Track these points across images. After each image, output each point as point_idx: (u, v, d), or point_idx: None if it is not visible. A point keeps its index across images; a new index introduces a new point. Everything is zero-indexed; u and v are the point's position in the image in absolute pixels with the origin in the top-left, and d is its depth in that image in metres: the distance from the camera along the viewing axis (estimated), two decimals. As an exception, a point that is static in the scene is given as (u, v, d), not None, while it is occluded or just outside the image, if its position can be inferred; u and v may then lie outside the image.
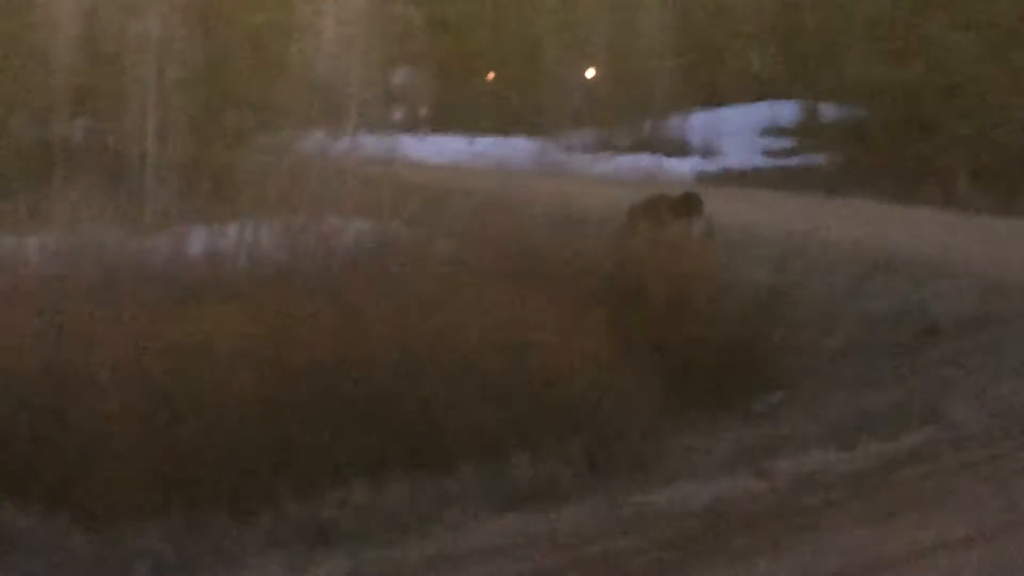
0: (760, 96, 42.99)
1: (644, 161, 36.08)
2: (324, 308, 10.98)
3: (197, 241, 19.69)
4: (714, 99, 43.16)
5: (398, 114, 46.92)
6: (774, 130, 41.09)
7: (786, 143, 40.11)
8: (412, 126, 43.21)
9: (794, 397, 13.42)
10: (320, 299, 11.28)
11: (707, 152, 39.26)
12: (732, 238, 20.23)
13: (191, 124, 27.84)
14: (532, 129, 39.15)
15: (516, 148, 38.25)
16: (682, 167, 36.45)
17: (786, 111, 41.81)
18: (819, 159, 37.62)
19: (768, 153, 39.32)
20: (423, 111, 46.32)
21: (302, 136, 35.02)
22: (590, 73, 43.88)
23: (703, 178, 35.53)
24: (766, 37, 45.75)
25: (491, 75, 47.69)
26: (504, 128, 41.35)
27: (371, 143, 35.95)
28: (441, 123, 44.39)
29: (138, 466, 8.85)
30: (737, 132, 40.36)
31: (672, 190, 22.07)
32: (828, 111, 40.53)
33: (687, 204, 22.85)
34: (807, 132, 40.10)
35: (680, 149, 39.41)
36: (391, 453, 9.60)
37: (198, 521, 8.48)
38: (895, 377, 13.56)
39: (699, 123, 40.61)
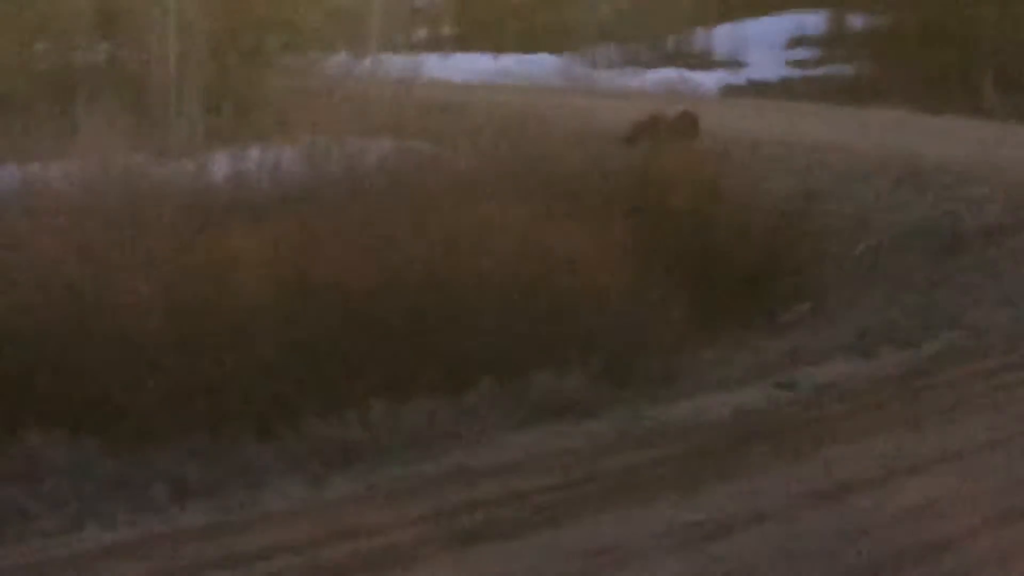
0: (786, 7, 42.60)
1: (669, 75, 35.81)
2: (347, 228, 10.95)
3: (222, 164, 19.73)
4: (740, 11, 42.79)
5: (422, 33, 46.72)
6: (801, 41, 40.66)
7: (813, 54, 39.69)
8: (436, 45, 42.96)
9: (820, 307, 13.38)
10: (342, 219, 11.25)
11: (733, 65, 38.89)
12: (757, 150, 20.16)
13: (215, 47, 27.75)
14: (557, 45, 38.89)
15: (541, 65, 38.09)
16: (707, 80, 36.17)
17: (812, 21, 41.38)
18: (847, 69, 37.24)
19: (795, 64, 38.92)
20: (447, 29, 46.06)
21: (326, 57, 34.95)
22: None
23: (729, 91, 35.30)
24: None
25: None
26: (529, 45, 41.05)
27: (395, 62, 35.85)
28: (466, 41, 44.11)
29: (162, 389, 8.89)
30: (763, 44, 39.95)
31: (670, 108, 22.19)
32: (855, 20, 40.09)
33: (683, 123, 23.55)
34: (834, 42, 39.67)
35: (706, 62, 39.07)
36: (413, 371, 9.59)
37: (222, 443, 8.51)
38: (922, 285, 13.50)
39: (725, 35, 40.23)
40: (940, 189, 16.30)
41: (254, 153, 19.89)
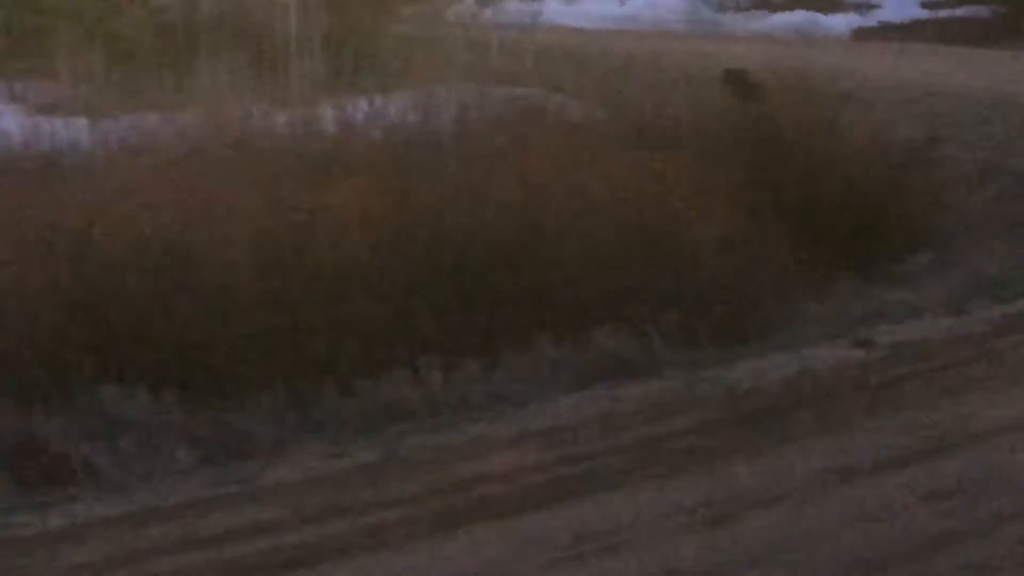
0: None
1: (798, 18, 35.12)
2: (445, 179, 10.78)
3: (336, 114, 19.64)
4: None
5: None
6: (937, -19, 39.64)
7: (949, -6, 38.66)
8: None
9: (942, 257, 12.93)
10: (443, 170, 11.08)
11: (866, 6, 38.00)
12: (883, 94, 19.59)
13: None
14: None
15: (669, 8, 37.56)
16: (838, 23, 35.39)
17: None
18: (985, 10, 36.21)
19: (931, 5, 37.92)
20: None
21: (449, 4, 34.72)
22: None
23: (860, 33, 34.53)
24: None
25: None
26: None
27: (518, 9, 35.60)
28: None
29: (243, 343, 8.81)
30: (897, -15, 39.02)
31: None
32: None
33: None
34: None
35: (838, 4, 38.22)
36: (484, 327, 9.40)
37: (299, 396, 8.44)
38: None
39: (857, -23, 39.33)
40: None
41: (368, 103, 19.81)
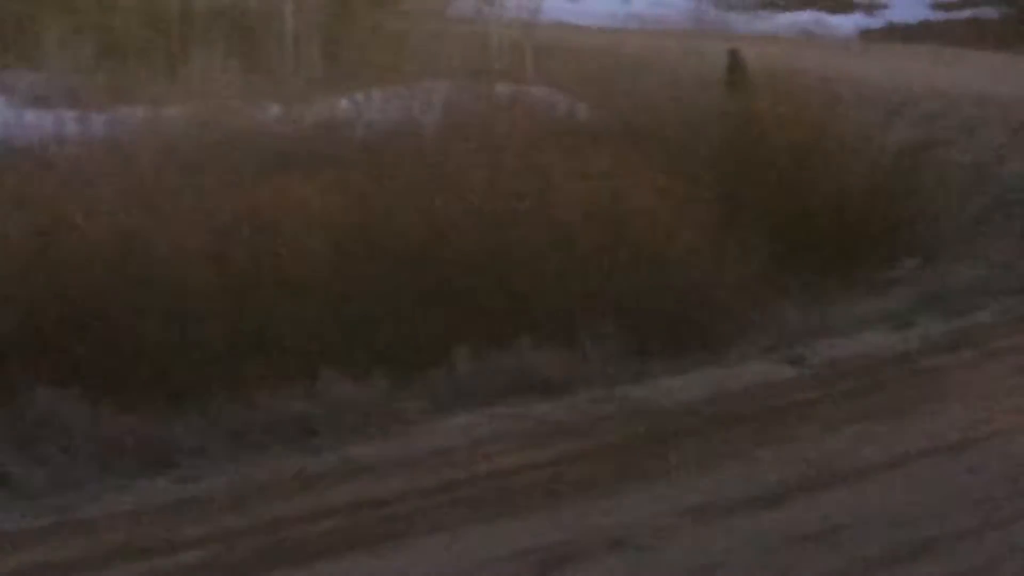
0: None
1: (805, 18, 34.77)
2: (415, 177, 10.47)
3: (326, 109, 19.40)
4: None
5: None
6: (947, -18, 39.28)
7: (958, -5, 38.28)
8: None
9: (930, 263, 12.59)
10: (413, 167, 10.76)
11: (875, 7, 37.64)
12: (884, 96, 19.27)
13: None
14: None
15: (674, 7, 37.20)
16: (845, 23, 35.03)
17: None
18: (994, 12, 35.82)
19: (940, 6, 37.54)
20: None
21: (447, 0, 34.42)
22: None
23: (868, 34, 34.16)
24: None
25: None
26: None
27: (521, 5, 35.24)
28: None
29: (180, 344, 8.51)
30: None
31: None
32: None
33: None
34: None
35: (846, 4, 37.84)
36: (416, 337, 9.05)
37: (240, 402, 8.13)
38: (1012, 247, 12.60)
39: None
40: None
41: (357, 99, 19.58)
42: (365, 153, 12.27)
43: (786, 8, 36.67)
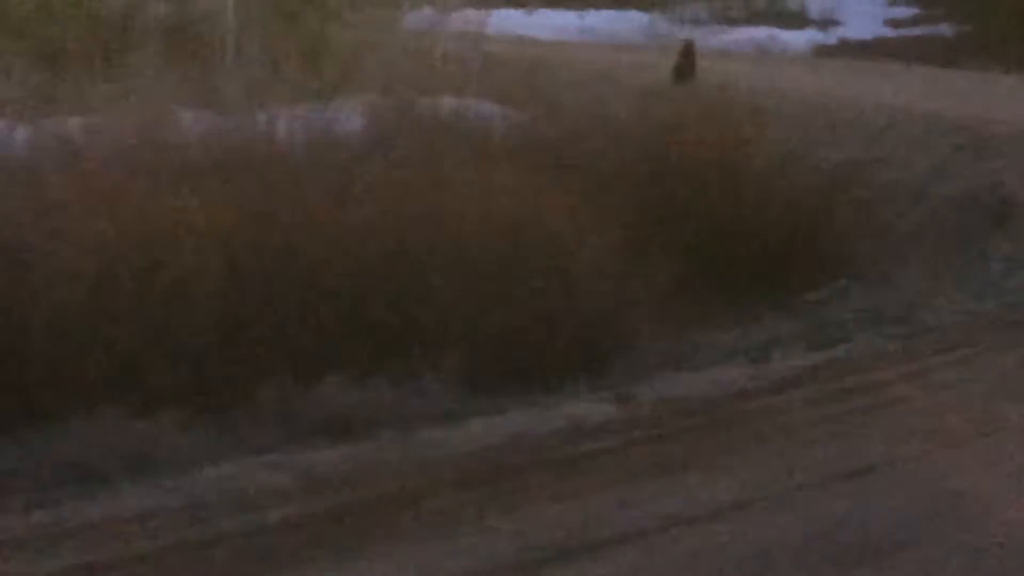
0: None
1: (758, 33, 34.64)
2: (313, 191, 10.08)
3: (248, 122, 19.07)
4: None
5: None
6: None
7: (913, 12, 38.21)
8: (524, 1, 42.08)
9: (844, 288, 12.31)
10: (313, 183, 10.38)
11: (828, 23, 37.55)
12: (828, 112, 19.12)
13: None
14: (647, 2, 37.80)
15: (627, 22, 37.04)
16: (798, 39, 34.91)
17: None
18: (946, 28, 35.80)
19: (892, 23, 37.50)
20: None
21: (402, 12, 34.12)
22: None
23: (820, 50, 34.05)
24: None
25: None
26: (619, 1, 40.03)
27: (477, 19, 35.03)
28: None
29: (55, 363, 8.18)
30: (861, 2, 38.59)
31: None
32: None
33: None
34: (933, 1, 38.16)
35: (800, 20, 37.75)
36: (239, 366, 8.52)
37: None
38: (945, 266, 12.33)
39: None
40: (999, 156, 15.13)
41: (288, 111, 19.32)
42: (250, 168, 11.74)
43: (740, 23, 36.57)
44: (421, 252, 9.30)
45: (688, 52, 26.18)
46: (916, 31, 36.01)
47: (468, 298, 9.19)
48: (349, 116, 15.86)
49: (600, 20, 38.03)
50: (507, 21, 37.51)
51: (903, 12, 38.01)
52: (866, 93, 21.22)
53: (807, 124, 19.04)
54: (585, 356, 9.16)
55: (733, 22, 36.75)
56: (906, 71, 27.83)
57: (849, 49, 33.98)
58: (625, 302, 9.74)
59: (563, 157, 11.81)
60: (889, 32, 36.18)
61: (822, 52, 33.76)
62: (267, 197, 9.67)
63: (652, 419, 8.50)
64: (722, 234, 12.05)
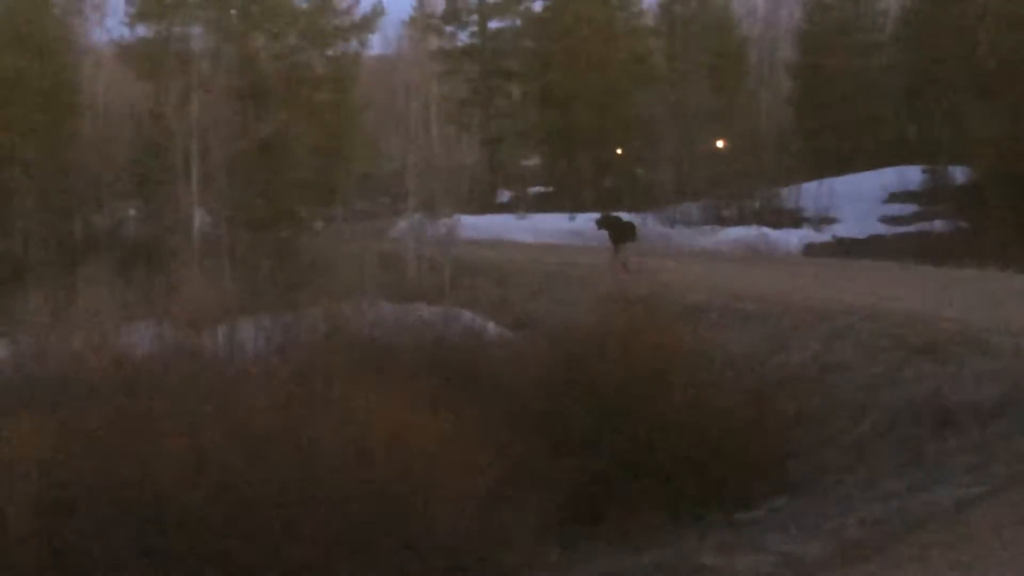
0: (888, 162, 40.84)
1: (748, 233, 34.20)
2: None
3: (210, 333, 18.69)
4: (839, 167, 41.15)
5: (504, 194, 45.84)
6: (901, 196, 38.85)
7: (911, 209, 37.83)
8: (514, 206, 41.98)
9: (780, 507, 11.45)
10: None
11: (824, 221, 37.17)
12: (793, 316, 18.47)
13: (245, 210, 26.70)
14: (639, 203, 37.50)
15: (618, 223, 36.60)
16: (790, 238, 34.45)
17: (917, 176, 39.53)
18: (946, 225, 35.29)
19: (889, 220, 37.07)
20: (523, 190, 45.12)
21: (390, 221, 33.92)
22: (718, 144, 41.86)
23: (812, 249, 33.55)
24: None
25: (619, 150, 46.27)
26: (611, 204, 39.79)
27: (465, 224, 34.83)
28: (551, 200, 43.01)
29: None
30: (860, 199, 38.20)
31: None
32: (955, 175, 38.19)
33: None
34: (936, 196, 37.77)
35: (794, 219, 37.38)
36: None
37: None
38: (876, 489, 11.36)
39: (821, 191, 38.43)
40: (951, 362, 14.34)
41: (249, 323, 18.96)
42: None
43: (733, 223, 36.13)
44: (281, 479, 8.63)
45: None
46: (911, 228, 35.54)
47: (327, 529, 8.46)
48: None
49: (588, 221, 37.67)
50: (500, 225, 37.31)
51: (900, 209, 37.57)
52: (842, 294, 20.52)
53: (772, 327, 18.42)
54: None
55: (725, 221, 36.36)
56: (897, 269, 27.08)
57: (842, 247, 33.43)
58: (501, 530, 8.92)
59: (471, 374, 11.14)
60: (884, 229, 35.69)
61: (813, 251, 33.18)
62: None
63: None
64: (645, 450, 11.28)
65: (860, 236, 35.39)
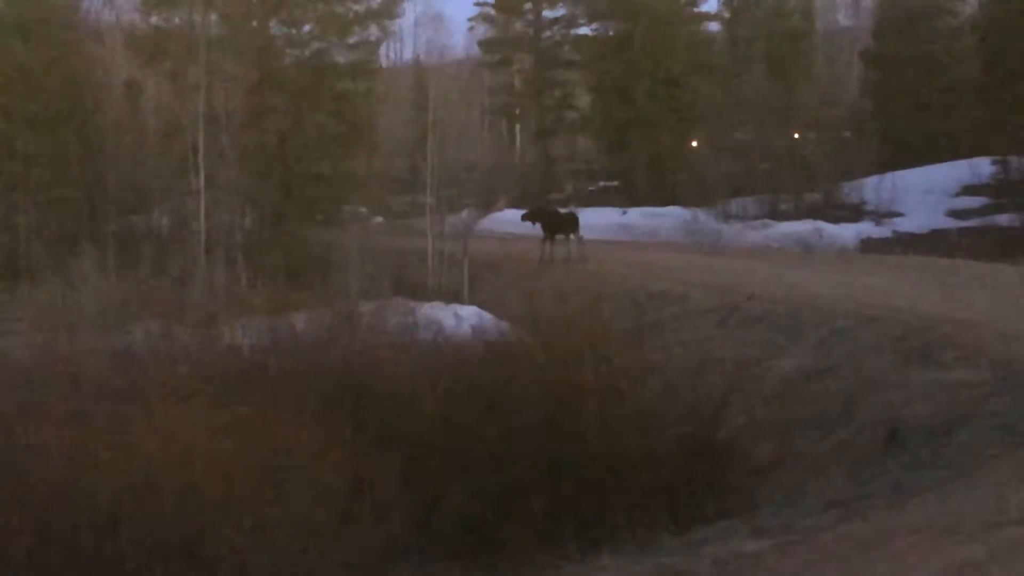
0: (964, 154, 39.32)
1: (803, 227, 32.93)
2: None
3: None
4: (912, 159, 39.73)
5: (559, 190, 44.88)
6: (971, 189, 37.35)
7: (977, 201, 36.35)
8: (565, 200, 41.01)
9: (724, 529, 10.45)
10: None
11: (884, 215, 35.81)
12: (803, 315, 17.35)
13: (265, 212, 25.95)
14: (694, 198, 36.44)
15: (669, 218, 35.60)
16: (845, 233, 33.13)
17: (988, 169, 37.98)
18: (1007, 219, 33.78)
19: (953, 214, 35.60)
20: (574, 184, 44.31)
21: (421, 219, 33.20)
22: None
23: (868, 244, 32.24)
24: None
25: (694, 143, 45.15)
26: (667, 197, 38.83)
27: (499, 218, 33.94)
28: (607, 196, 42.05)
29: None
30: (928, 192, 36.80)
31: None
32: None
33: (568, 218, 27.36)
34: (1000, 191, 36.28)
35: (854, 214, 36.03)
36: None
37: None
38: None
39: (886, 184, 37.05)
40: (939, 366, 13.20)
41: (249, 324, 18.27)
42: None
43: (790, 217, 34.89)
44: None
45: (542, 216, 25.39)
46: (974, 222, 34.08)
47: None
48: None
49: (639, 217, 36.78)
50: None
51: (969, 202, 36.09)
52: (870, 294, 19.31)
53: (778, 329, 17.29)
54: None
55: (781, 216, 35.12)
56: (944, 266, 25.52)
57: (899, 242, 32.04)
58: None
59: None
60: (949, 223, 34.22)
61: (870, 246, 31.86)
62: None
63: None
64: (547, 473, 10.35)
65: (922, 230, 34.01)
